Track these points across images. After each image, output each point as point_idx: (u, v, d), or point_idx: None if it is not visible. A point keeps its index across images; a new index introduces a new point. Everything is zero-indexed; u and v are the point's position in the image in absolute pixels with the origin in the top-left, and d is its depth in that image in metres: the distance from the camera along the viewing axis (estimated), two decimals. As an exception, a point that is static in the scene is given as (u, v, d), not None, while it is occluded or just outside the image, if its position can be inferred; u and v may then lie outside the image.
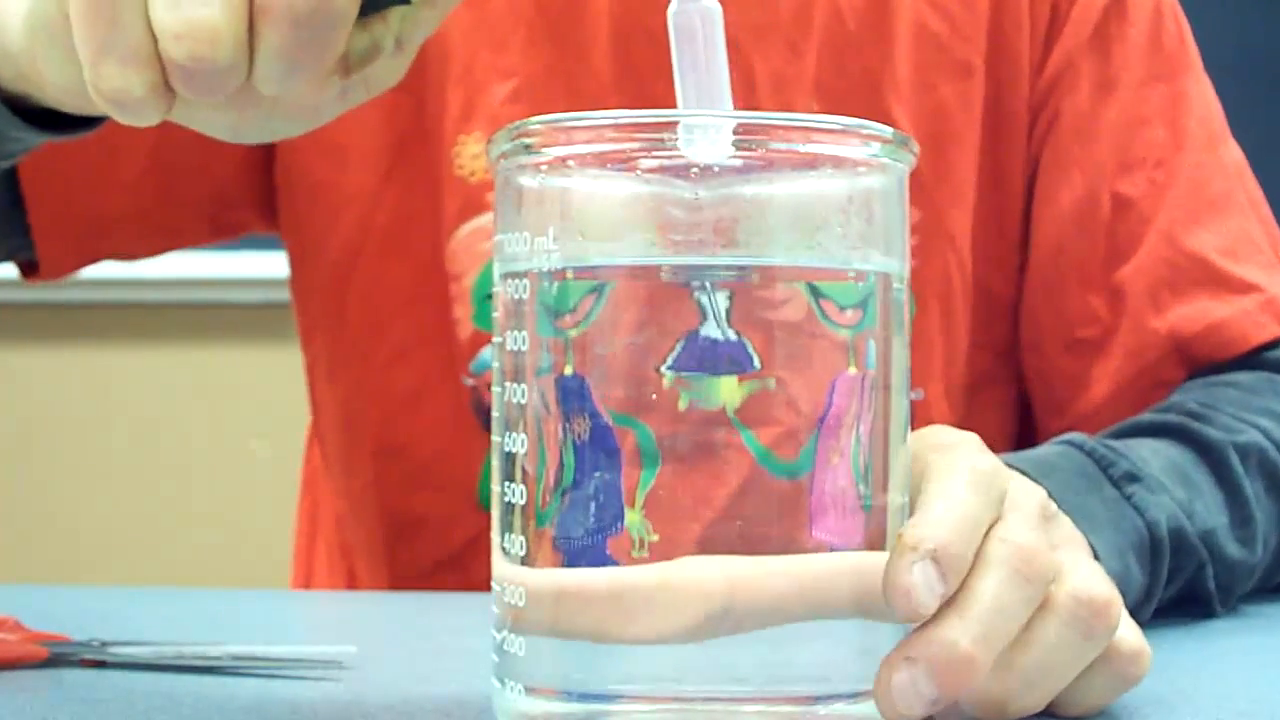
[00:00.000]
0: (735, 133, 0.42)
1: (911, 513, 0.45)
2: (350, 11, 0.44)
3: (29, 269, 0.91)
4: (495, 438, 0.45)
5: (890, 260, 0.44)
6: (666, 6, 0.46)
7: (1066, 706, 0.48)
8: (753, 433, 0.42)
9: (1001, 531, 0.45)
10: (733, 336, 0.42)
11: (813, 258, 0.43)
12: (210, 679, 0.56)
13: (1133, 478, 0.67)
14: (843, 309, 0.43)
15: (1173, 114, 0.89)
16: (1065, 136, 0.89)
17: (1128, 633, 0.48)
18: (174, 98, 0.45)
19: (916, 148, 0.45)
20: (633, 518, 0.42)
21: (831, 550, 0.43)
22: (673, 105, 0.45)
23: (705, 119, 0.43)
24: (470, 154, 0.87)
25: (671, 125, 0.42)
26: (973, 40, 0.88)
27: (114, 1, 0.43)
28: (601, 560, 0.42)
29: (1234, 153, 0.90)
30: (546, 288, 0.43)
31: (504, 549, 0.44)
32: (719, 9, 0.46)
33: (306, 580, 1.04)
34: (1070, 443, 0.69)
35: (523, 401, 0.44)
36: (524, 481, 0.44)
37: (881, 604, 0.42)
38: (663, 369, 0.42)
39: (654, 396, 0.42)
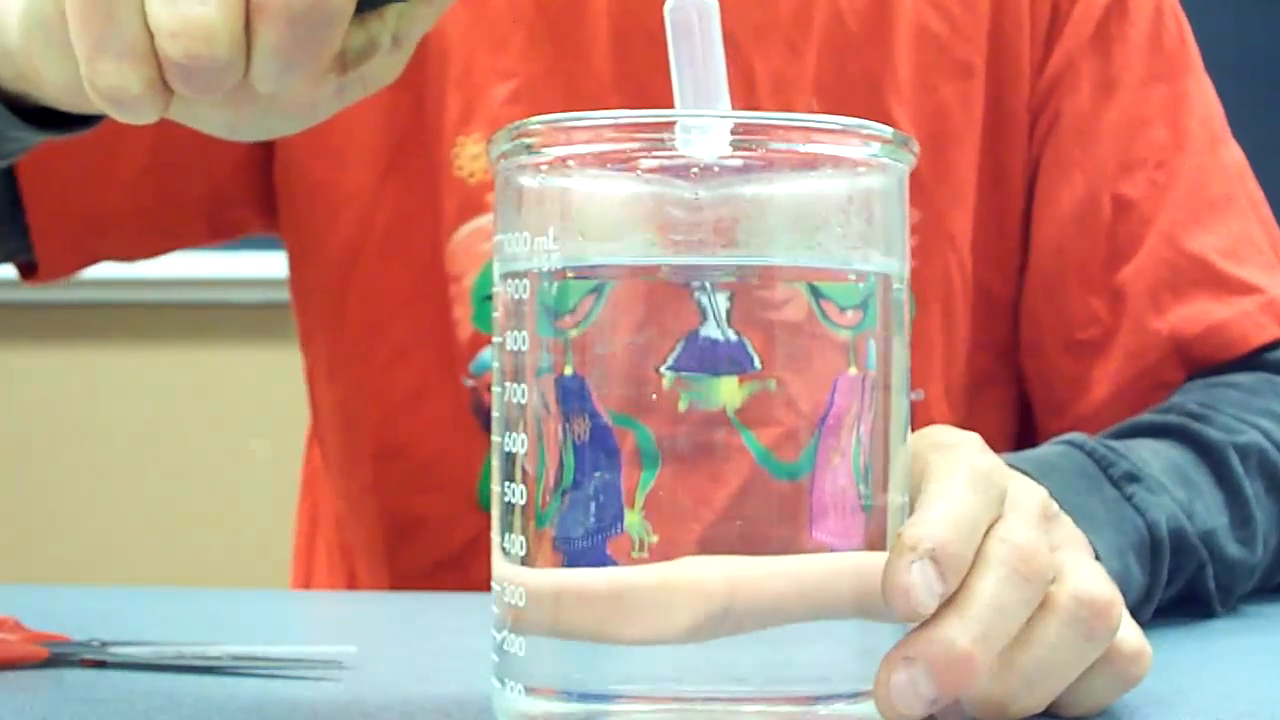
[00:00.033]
0: (735, 133, 0.42)
1: (911, 512, 0.44)
2: (347, 9, 0.44)
3: (28, 270, 0.91)
4: (495, 438, 0.45)
5: (890, 260, 0.44)
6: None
7: (1067, 707, 0.48)
8: (753, 433, 0.42)
9: (1001, 531, 0.45)
10: (733, 337, 0.42)
11: (813, 258, 0.43)
12: (210, 679, 0.56)
13: (1133, 478, 0.67)
14: (843, 309, 0.43)
15: (1174, 115, 0.89)
16: (1066, 137, 0.89)
17: (1128, 633, 0.48)
18: (171, 95, 0.45)
19: (916, 148, 0.45)
20: (632, 519, 0.42)
21: (832, 551, 0.43)
22: (672, 105, 0.45)
23: (705, 119, 0.43)
24: (469, 155, 0.87)
25: (671, 125, 0.42)
26: (973, 41, 0.88)
27: None
28: (601, 561, 0.42)
29: (1235, 153, 0.90)
30: (546, 288, 0.43)
31: (504, 549, 0.44)
32: (715, 5, 0.46)
33: (306, 580, 1.04)
34: (1071, 443, 0.69)
35: (523, 401, 0.44)
36: (524, 481, 0.44)
37: (882, 604, 0.42)
38: (662, 369, 0.42)
39: (654, 397, 0.42)
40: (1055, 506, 0.50)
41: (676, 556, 0.42)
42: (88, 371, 2.33)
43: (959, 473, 0.45)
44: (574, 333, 0.43)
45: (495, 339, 0.46)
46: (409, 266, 0.89)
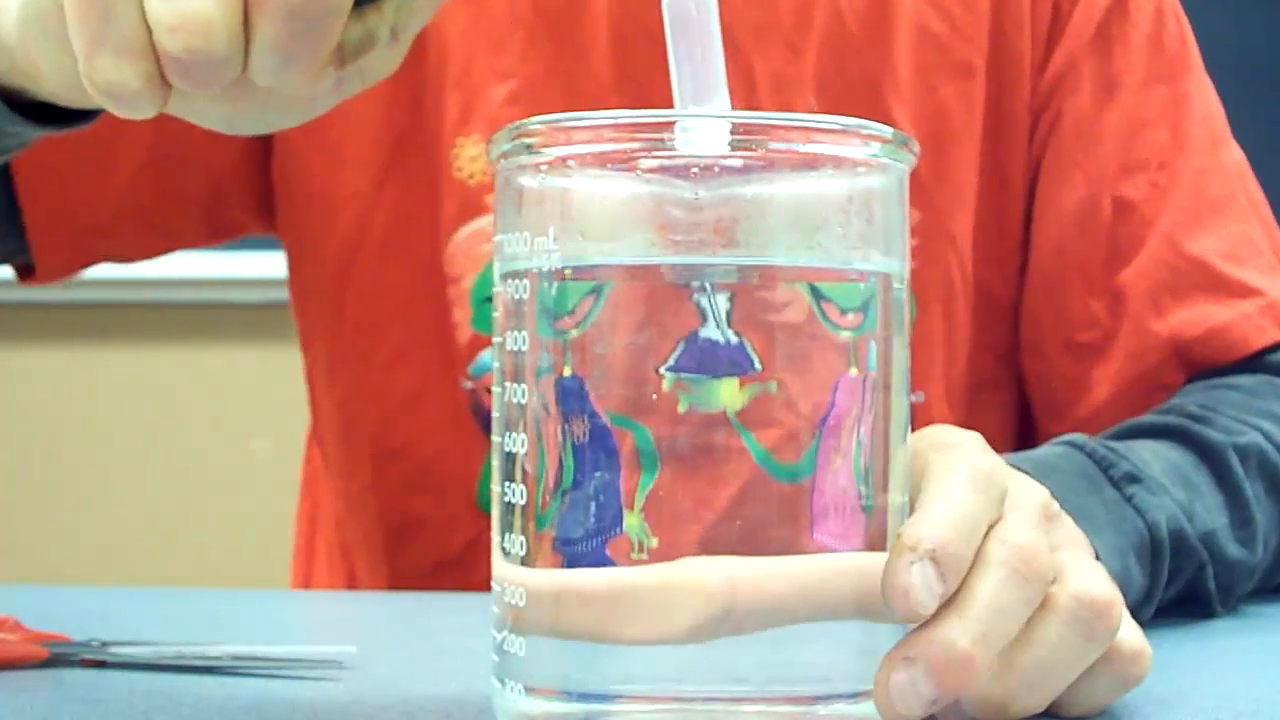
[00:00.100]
0: (735, 132, 0.42)
1: (912, 512, 0.44)
2: (345, 3, 0.44)
3: (25, 272, 0.91)
4: (495, 438, 0.45)
5: (890, 260, 0.44)
6: (665, 4, 0.46)
7: (1067, 707, 0.48)
8: (754, 435, 0.42)
9: (1001, 531, 0.45)
10: (733, 339, 0.42)
11: (813, 258, 0.43)
12: (210, 679, 0.56)
13: (1133, 479, 0.67)
14: (844, 311, 0.43)
15: (1174, 116, 0.89)
16: (1067, 138, 0.89)
17: (1129, 633, 0.48)
18: (170, 90, 0.45)
19: (916, 148, 0.45)
20: (631, 520, 0.42)
21: (832, 552, 0.43)
22: (672, 105, 0.45)
23: (705, 119, 0.43)
24: (469, 156, 0.87)
25: (671, 125, 0.42)
26: (974, 41, 0.88)
27: None
28: (601, 562, 0.42)
29: (1235, 155, 0.90)
30: (546, 288, 0.43)
31: (504, 549, 0.44)
32: None
33: (306, 581, 1.04)
34: (1071, 443, 0.69)
35: (523, 402, 0.44)
36: (524, 482, 0.44)
37: (882, 604, 0.42)
38: (662, 370, 0.42)
39: (654, 398, 0.42)
40: (1056, 506, 0.50)
41: (676, 558, 0.42)
42: (88, 371, 2.33)
43: (959, 472, 0.45)
44: (574, 333, 0.43)
45: (495, 339, 0.46)
46: (408, 267, 0.89)
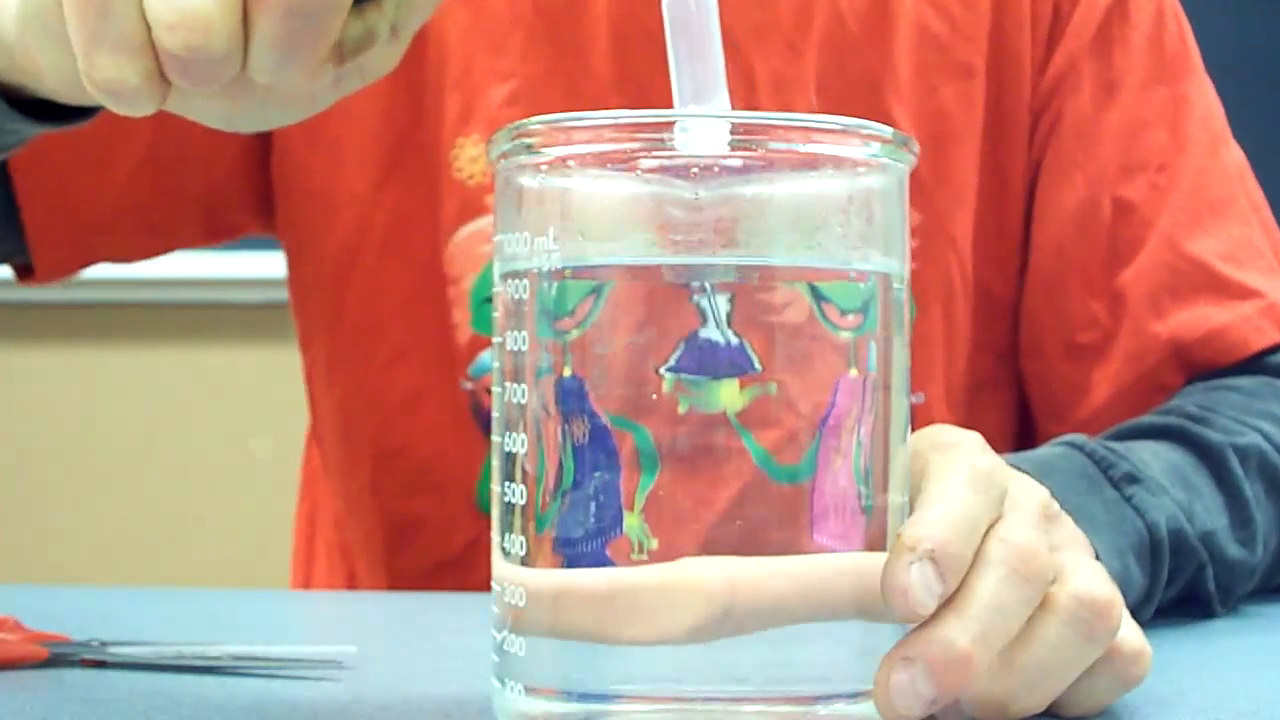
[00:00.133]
0: (735, 132, 0.42)
1: (911, 512, 0.44)
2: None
3: (24, 272, 0.91)
4: (495, 438, 0.45)
5: (890, 260, 0.44)
6: (664, 4, 0.46)
7: (1067, 707, 0.48)
8: (754, 436, 0.42)
9: (1001, 531, 0.45)
10: (733, 340, 0.42)
11: (812, 258, 0.43)
12: (210, 679, 0.56)
13: (1133, 479, 0.68)
14: (844, 311, 0.43)
15: (1174, 117, 0.88)
16: (1067, 139, 0.89)
17: (1129, 633, 0.48)
18: (169, 87, 0.45)
19: (916, 148, 0.45)
20: (632, 522, 0.42)
21: (832, 553, 0.43)
22: (672, 105, 0.45)
23: (705, 119, 0.43)
24: (469, 156, 0.87)
25: (671, 125, 0.42)
26: (974, 41, 0.88)
27: None
28: (601, 564, 0.42)
29: (1235, 156, 0.90)
30: (546, 288, 0.43)
31: (504, 549, 0.44)
32: None
33: (306, 581, 1.04)
34: (1071, 444, 0.69)
35: (523, 402, 0.44)
36: (524, 482, 0.44)
37: (882, 604, 0.42)
38: (662, 370, 0.42)
39: (654, 398, 0.42)
40: (1056, 506, 0.50)
41: (676, 559, 0.42)
42: (88, 371, 2.33)
43: (959, 472, 0.45)
44: (574, 334, 0.43)
45: (495, 339, 0.46)
46: (408, 267, 0.89)
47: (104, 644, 0.59)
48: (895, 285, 0.45)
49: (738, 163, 0.42)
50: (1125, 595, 0.49)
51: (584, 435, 0.42)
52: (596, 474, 0.42)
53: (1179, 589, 0.69)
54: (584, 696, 0.42)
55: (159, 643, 0.59)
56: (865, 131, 0.43)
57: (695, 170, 0.42)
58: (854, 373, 0.43)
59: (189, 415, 2.31)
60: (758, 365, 0.42)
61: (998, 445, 0.50)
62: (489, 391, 0.82)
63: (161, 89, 0.45)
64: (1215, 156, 0.89)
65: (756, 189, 0.43)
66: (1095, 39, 0.89)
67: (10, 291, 2.17)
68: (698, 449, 0.42)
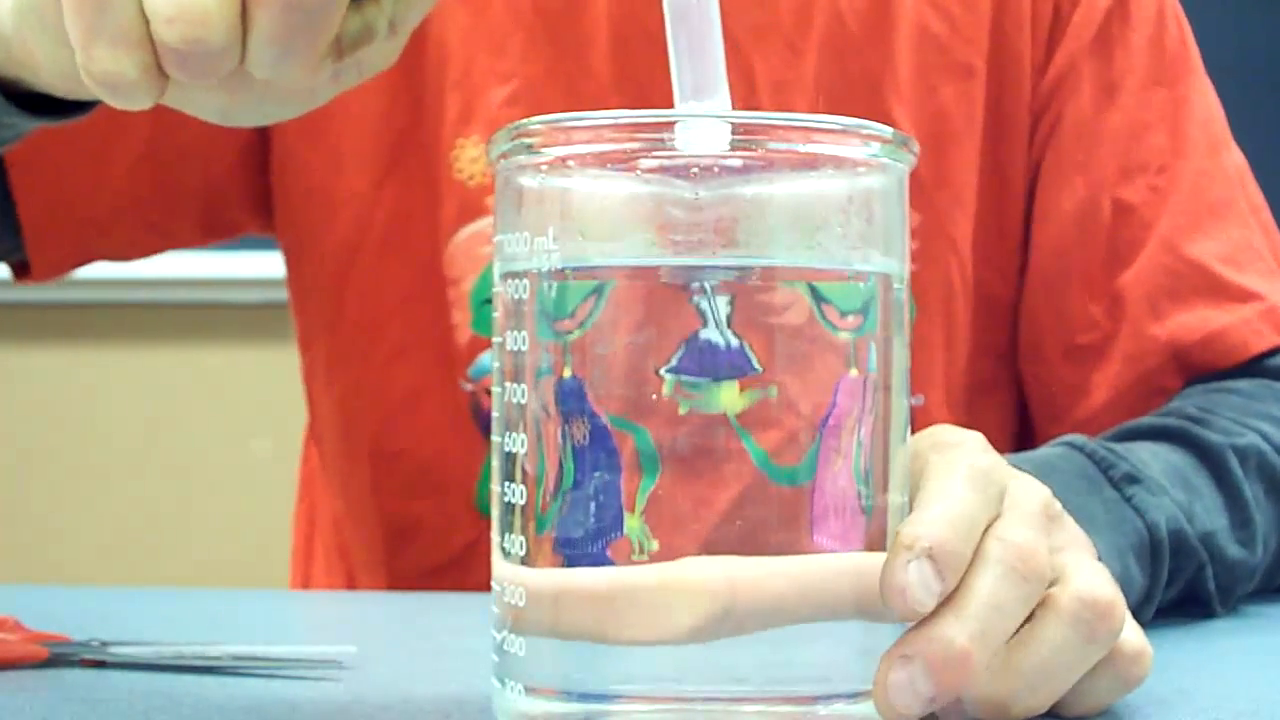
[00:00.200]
0: (735, 133, 0.42)
1: (911, 511, 0.44)
2: None
3: (21, 270, 0.91)
4: (495, 438, 0.45)
5: (890, 261, 0.44)
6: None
7: (1068, 707, 0.48)
8: (754, 437, 0.42)
9: (999, 530, 0.45)
10: (734, 341, 0.42)
11: (812, 258, 0.43)
12: (210, 679, 0.56)
13: (1133, 479, 0.68)
14: (844, 312, 0.43)
15: (1174, 119, 0.88)
16: (1067, 140, 0.88)
17: (1130, 634, 0.48)
18: (167, 81, 0.44)
19: (916, 148, 0.45)
20: (632, 523, 0.42)
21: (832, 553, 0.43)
22: (672, 105, 0.45)
23: (705, 119, 0.43)
24: (469, 157, 0.87)
25: (671, 125, 0.42)
26: (974, 42, 0.88)
27: None
28: (602, 565, 0.42)
29: (1235, 158, 0.90)
30: (546, 288, 0.43)
31: (504, 549, 0.44)
32: None
33: (305, 582, 1.03)
34: (1071, 444, 0.69)
35: (523, 402, 0.44)
36: (524, 482, 0.44)
37: (881, 604, 0.42)
38: (663, 371, 0.42)
39: (654, 399, 0.42)
40: (1058, 506, 0.49)
41: (676, 559, 0.42)
42: (88, 371, 2.33)
43: (958, 471, 0.45)
44: (574, 334, 0.43)
45: (495, 339, 0.45)
46: (407, 267, 0.89)
47: (104, 644, 0.59)
48: (895, 286, 0.45)
49: (738, 163, 0.42)
50: (1125, 595, 0.49)
51: (584, 436, 0.42)
52: (597, 475, 0.42)
53: (1179, 589, 0.69)
54: (584, 696, 0.42)
55: (159, 643, 0.59)
56: (865, 131, 0.43)
57: (695, 170, 0.42)
58: (854, 373, 0.43)
59: (189, 415, 2.31)
60: (758, 367, 0.42)
61: (998, 446, 0.50)
62: (489, 393, 0.82)
63: (159, 82, 0.45)
64: (1215, 159, 0.89)
65: (756, 189, 0.43)
66: (1095, 40, 0.89)
67: (9, 291, 2.17)
68: (698, 450, 0.42)
